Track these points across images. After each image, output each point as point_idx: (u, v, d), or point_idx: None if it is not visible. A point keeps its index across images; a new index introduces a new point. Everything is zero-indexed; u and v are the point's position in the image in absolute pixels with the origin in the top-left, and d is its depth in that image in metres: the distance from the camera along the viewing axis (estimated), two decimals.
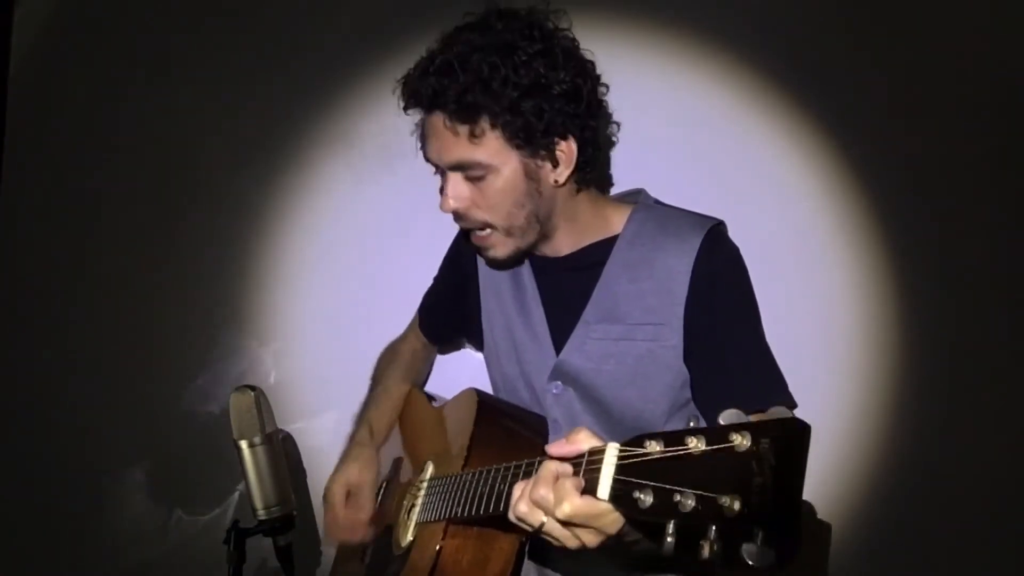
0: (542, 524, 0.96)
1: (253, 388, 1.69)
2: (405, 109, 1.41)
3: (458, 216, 1.43)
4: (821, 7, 1.93)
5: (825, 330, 1.88)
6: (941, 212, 1.88)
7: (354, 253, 2.06)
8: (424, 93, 1.35)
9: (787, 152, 1.90)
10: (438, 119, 1.36)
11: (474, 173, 1.37)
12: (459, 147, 1.35)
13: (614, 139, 1.53)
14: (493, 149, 1.34)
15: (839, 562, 1.83)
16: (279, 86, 2.10)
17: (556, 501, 0.92)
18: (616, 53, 1.89)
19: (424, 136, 1.41)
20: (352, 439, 1.73)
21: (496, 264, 1.51)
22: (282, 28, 2.11)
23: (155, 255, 2.13)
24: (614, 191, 1.61)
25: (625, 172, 1.80)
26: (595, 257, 1.46)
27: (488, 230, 1.42)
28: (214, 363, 2.08)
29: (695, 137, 1.91)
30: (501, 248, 1.43)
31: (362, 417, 1.76)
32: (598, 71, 1.44)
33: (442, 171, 1.41)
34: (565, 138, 1.37)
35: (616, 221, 1.47)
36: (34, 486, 2.13)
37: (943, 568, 1.86)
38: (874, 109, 1.90)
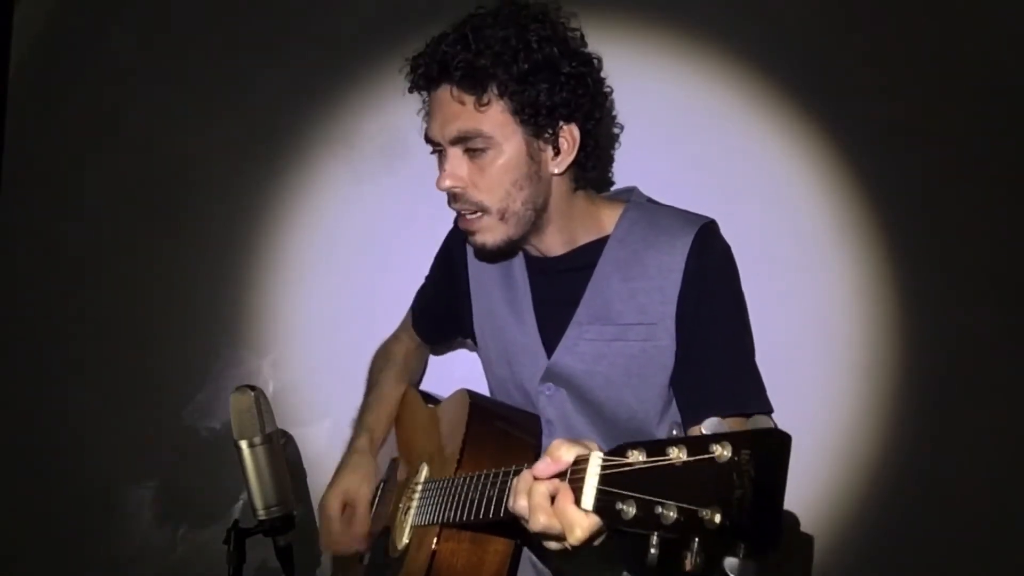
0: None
1: (253, 388, 1.67)
2: (410, 90, 1.40)
3: (454, 197, 1.39)
4: (822, 6, 1.92)
5: (824, 330, 1.87)
6: (941, 212, 1.87)
7: (354, 255, 2.05)
8: (433, 66, 1.34)
9: (787, 152, 1.89)
10: (444, 92, 1.34)
11: (476, 144, 1.34)
12: (464, 116, 1.33)
13: (617, 144, 1.51)
14: (498, 121, 1.33)
15: (839, 563, 1.82)
16: (279, 86, 2.09)
17: (567, 528, 0.89)
18: (615, 52, 1.88)
19: (428, 115, 1.40)
20: (351, 446, 1.71)
21: (484, 254, 1.47)
22: (282, 28, 2.11)
23: (154, 257, 2.13)
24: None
25: (624, 172, 1.79)
26: (587, 258, 1.44)
27: (480, 213, 1.38)
28: (214, 376, 2.06)
29: (695, 137, 1.90)
30: (491, 235, 1.39)
31: (360, 423, 1.75)
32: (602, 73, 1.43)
33: (442, 150, 1.38)
34: (568, 122, 1.36)
35: (608, 220, 1.46)
36: (38, 503, 2.12)
37: (943, 569, 1.85)
38: (874, 109, 1.89)
